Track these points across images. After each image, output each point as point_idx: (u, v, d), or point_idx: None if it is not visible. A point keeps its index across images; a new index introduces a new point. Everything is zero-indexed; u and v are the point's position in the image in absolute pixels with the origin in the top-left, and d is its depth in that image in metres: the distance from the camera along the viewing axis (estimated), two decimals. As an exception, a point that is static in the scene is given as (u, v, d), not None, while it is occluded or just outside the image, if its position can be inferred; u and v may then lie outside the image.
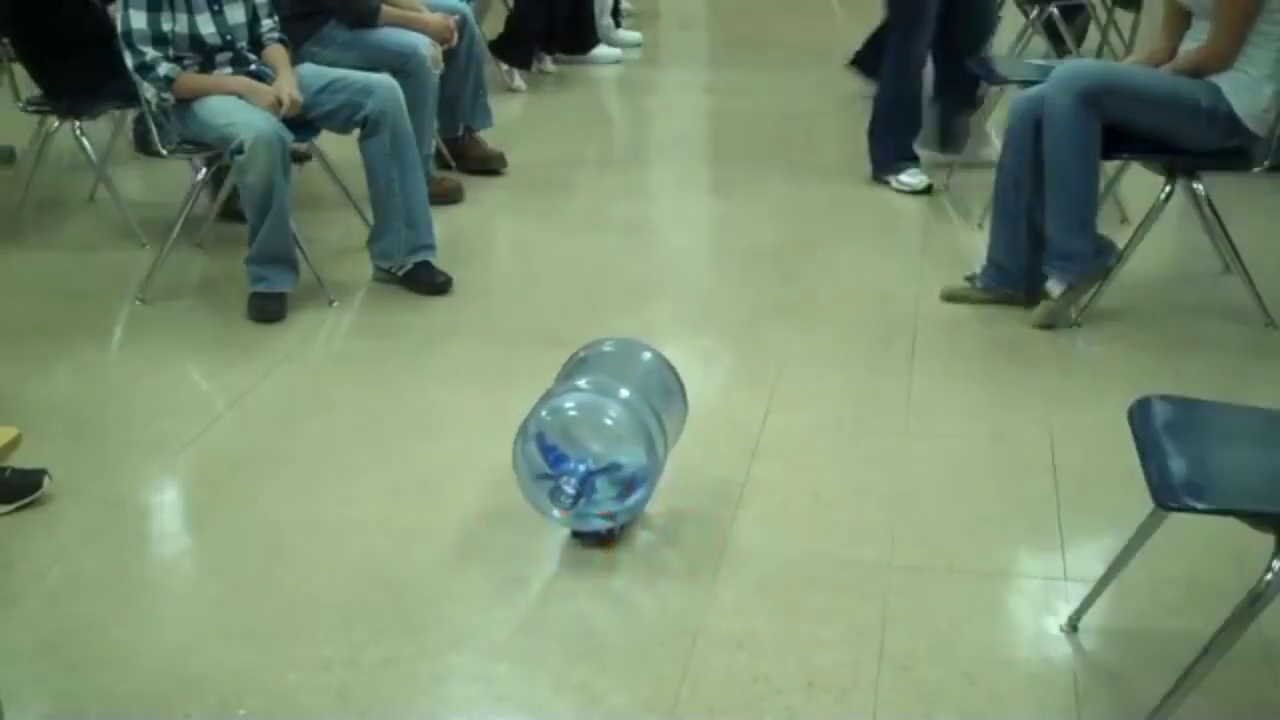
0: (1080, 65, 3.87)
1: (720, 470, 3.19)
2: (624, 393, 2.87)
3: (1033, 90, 3.95)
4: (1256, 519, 2.15)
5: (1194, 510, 2.07)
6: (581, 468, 2.79)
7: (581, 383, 2.92)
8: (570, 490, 2.76)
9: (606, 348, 3.11)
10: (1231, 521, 2.19)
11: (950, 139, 5.35)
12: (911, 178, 5.10)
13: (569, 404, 2.86)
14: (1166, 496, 2.09)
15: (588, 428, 2.83)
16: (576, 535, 2.92)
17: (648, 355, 3.09)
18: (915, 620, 2.62)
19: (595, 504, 2.82)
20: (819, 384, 3.63)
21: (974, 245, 4.68)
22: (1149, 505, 2.20)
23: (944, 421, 3.42)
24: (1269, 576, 2.10)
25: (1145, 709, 2.27)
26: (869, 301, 4.18)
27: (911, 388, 3.58)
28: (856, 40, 6.21)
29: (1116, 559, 2.51)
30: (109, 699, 2.46)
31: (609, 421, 2.82)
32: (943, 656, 2.52)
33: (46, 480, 3.08)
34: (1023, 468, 3.18)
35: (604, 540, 2.91)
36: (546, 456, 2.83)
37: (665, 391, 3.02)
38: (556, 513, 2.83)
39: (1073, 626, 2.57)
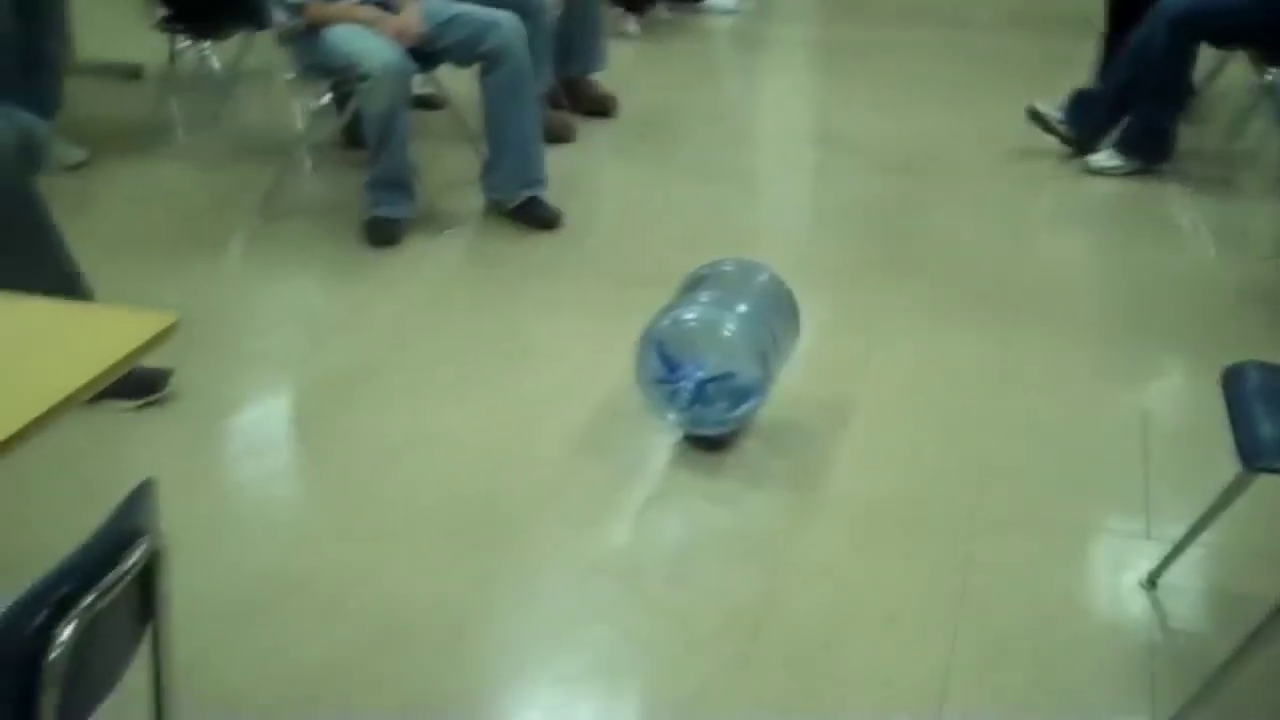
0: None
1: (815, 417, 3.27)
2: (741, 308, 3.01)
3: None
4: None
5: (1280, 471, 2.12)
6: (699, 374, 2.94)
7: (702, 297, 3.05)
8: (687, 395, 2.93)
9: (727, 267, 3.25)
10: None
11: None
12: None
13: (689, 315, 3.00)
14: (1254, 457, 2.14)
15: (706, 339, 2.97)
16: (689, 439, 3.07)
17: (765, 276, 3.21)
18: (997, 566, 2.70)
19: (709, 410, 2.97)
20: (917, 339, 3.68)
21: (1082, 204, 4.70)
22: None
23: (1040, 382, 3.46)
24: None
25: (1217, 665, 2.32)
26: (972, 259, 4.21)
27: (1010, 347, 3.62)
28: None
29: (1200, 519, 2.56)
30: (221, 590, 2.59)
31: (726, 334, 2.96)
32: (1021, 602, 2.59)
33: (171, 380, 3.23)
34: (1114, 430, 3.22)
35: (714, 445, 3.06)
36: (666, 363, 2.97)
37: (780, 310, 3.16)
38: (672, 415, 2.98)
39: (1151, 583, 2.63)
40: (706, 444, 3.06)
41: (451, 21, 4.25)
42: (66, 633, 1.21)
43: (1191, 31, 4.71)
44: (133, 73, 5.83)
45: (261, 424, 3.29)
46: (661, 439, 3.10)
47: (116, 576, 1.28)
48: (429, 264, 4.15)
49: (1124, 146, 4.92)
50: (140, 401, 3.19)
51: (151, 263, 4.06)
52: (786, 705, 2.33)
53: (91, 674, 1.30)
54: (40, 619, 1.21)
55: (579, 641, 2.48)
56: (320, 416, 3.28)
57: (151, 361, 3.15)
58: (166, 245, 4.21)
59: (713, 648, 2.47)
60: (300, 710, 2.29)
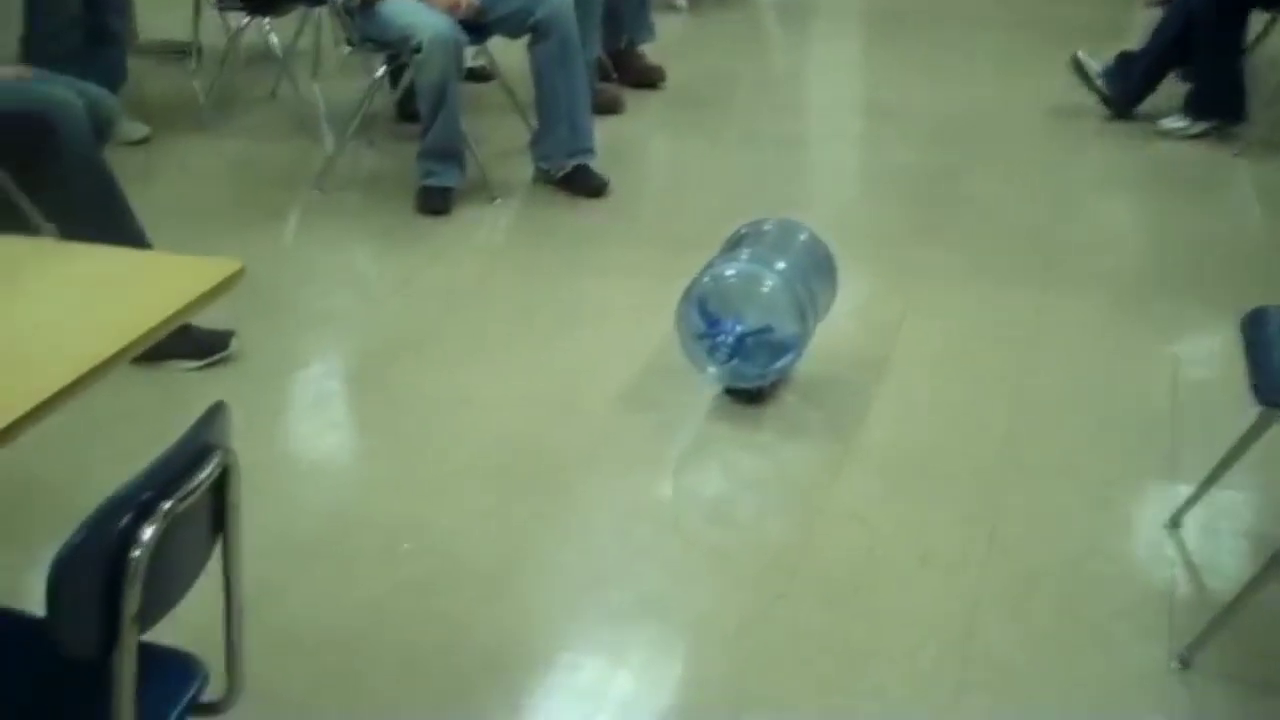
0: None
1: (852, 372, 3.37)
2: (780, 265, 3.11)
3: None
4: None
5: (1295, 407, 2.20)
6: (738, 328, 3.05)
7: (742, 254, 3.16)
8: (726, 349, 3.04)
9: (766, 226, 3.35)
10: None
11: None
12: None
13: (730, 271, 3.11)
14: (1272, 393, 2.22)
15: (745, 294, 3.08)
16: (729, 392, 3.19)
17: (804, 235, 3.32)
18: (1026, 511, 2.79)
19: (747, 364, 3.08)
20: (954, 298, 3.77)
21: (1124, 167, 4.76)
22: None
23: (1072, 337, 3.55)
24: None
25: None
26: (1012, 222, 4.29)
27: (1044, 304, 3.70)
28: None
29: (1221, 461, 2.63)
30: (282, 534, 2.73)
31: (765, 290, 3.07)
32: (1049, 544, 2.68)
33: (233, 341, 3.37)
34: (1144, 383, 3.30)
35: (753, 398, 3.17)
36: (706, 319, 3.08)
37: (818, 268, 3.27)
38: (712, 369, 3.10)
39: (1175, 524, 2.72)
40: (746, 397, 3.17)
41: (502, -6, 4.37)
42: (149, 533, 1.34)
43: None
44: (187, 50, 5.97)
45: (320, 382, 3.42)
46: (703, 393, 3.21)
47: (193, 485, 1.41)
48: (480, 231, 4.28)
49: (1194, 109, 4.97)
50: (203, 361, 3.33)
51: (212, 231, 4.20)
52: (822, 640, 2.43)
53: (168, 576, 1.43)
54: (125, 521, 1.34)
55: (625, 579, 2.60)
56: (376, 375, 3.41)
57: (214, 324, 3.34)
58: (226, 215, 4.36)
59: (752, 586, 2.59)
60: (360, 643, 2.42)
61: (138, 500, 1.35)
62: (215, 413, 1.50)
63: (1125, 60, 5.14)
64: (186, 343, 3.26)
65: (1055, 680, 2.33)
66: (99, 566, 1.33)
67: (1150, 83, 5.05)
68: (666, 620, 2.50)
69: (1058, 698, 2.29)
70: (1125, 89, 5.09)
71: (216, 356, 3.36)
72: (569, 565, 2.66)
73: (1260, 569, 2.31)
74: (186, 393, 3.24)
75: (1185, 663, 2.33)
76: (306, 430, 3.22)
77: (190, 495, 1.40)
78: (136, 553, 1.33)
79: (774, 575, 2.62)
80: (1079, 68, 5.20)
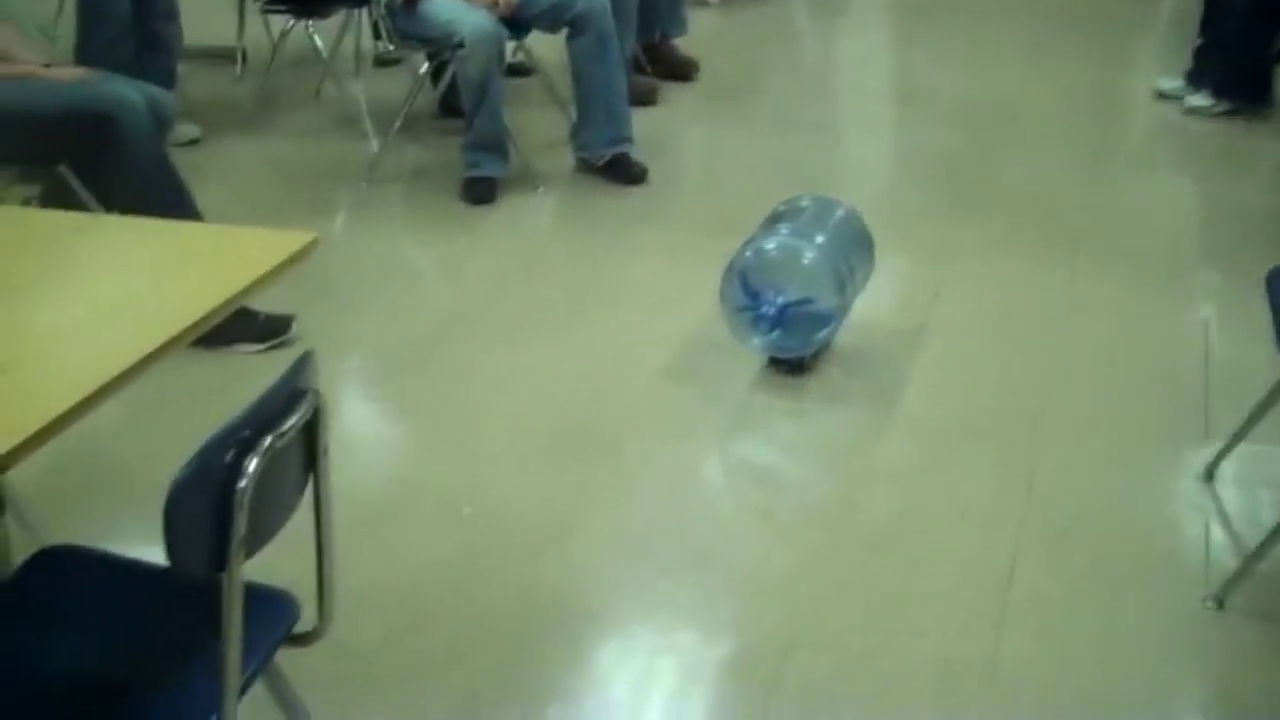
0: None
1: (890, 343, 3.48)
2: (819, 239, 3.23)
3: None
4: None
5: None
6: (780, 299, 3.16)
7: (782, 229, 3.27)
8: (768, 320, 3.16)
9: (804, 203, 3.46)
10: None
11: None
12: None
13: (771, 245, 3.23)
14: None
15: (786, 267, 3.19)
16: (772, 363, 3.30)
17: (841, 210, 3.43)
18: (1062, 467, 2.90)
19: (789, 334, 3.19)
20: (987, 270, 3.88)
21: (1155, 145, 4.85)
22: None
23: (1104, 305, 3.65)
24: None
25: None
26: (1044, 199, 4.39)
27: (1077, 275, 3.80)
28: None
29: (1253, 413, 2.73)
30: (340, 501, 2.85)
31: (805, 262, 3.18)
32: (1085, 496, 2.79)
33: (294, 325, 3.51)
34: (1175, 345, 3.41)
35: (795, 368, 3.28)
36: (748, 291, 3.20)
37: (855, 242, 3.38)
38: (756, 340, 3.21)
39: (1209, 476, 2.82)
40: (788, 368, 3.29)
41: (539, -10, 4.49)
42: (253, 465, 1.46)
43: None
44: (233, 54, 6.12)
45: (377, 362, 3.55)
46: (746, 364, 3.33)
47: (289, 424, 1.53)
48: (524, 218, 4.41)
49: (1220, 89, 5.04)
50: (267, 344, 3.46)
51: (266, 225, 4.32)
52: (864, 587, 2.55)
53: (267, 509, 1.55)
54: (230, 456, 1.46)
55: (676, 538, 2.72)
56: (430, 355, 3.54)
57: (276, 309, 3.47)
58: (280, 209, 4.50)
59: (796, 542, 2.70)
60: (426, 599, 2.55)
61: (239, 436, 1.48)
62: (305, 360, 1.63)
63: (1198, 56, 5.15)
64: (250, 326, 3.40)
65: (1093, 619, 2.44)
66: (209, 495, 1.45)
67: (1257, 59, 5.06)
68: (716, 574, 2.61)
69: (1096, 635, 2.40)
70: (1245, 84, 5.06)
71: (279, 339, 3.49)
72: (622, 526, 2.78)
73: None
74: (252, 373, 3.34)
75: (1219, 603, 2.44)
76: (367, 407, 3.35)
77: (286, 434, 1.53)
78: (242, 483, 1.45)
79: (817, 531, 2.73)
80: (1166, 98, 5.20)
